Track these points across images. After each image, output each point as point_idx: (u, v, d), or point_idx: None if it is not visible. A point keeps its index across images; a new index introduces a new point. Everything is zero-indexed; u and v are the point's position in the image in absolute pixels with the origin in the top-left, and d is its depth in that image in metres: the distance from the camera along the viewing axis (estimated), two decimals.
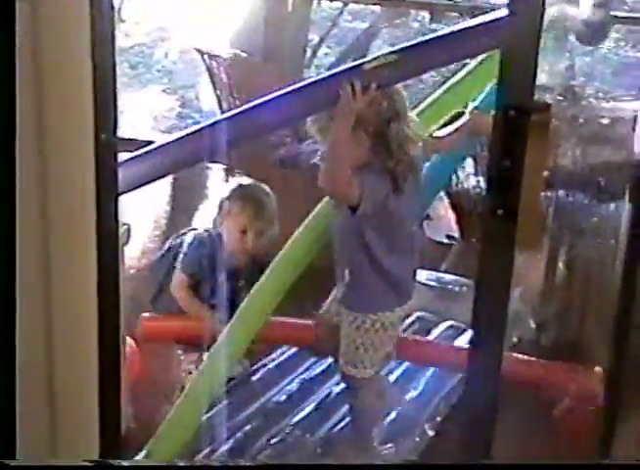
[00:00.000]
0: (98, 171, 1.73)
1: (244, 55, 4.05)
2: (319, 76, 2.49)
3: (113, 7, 1.71)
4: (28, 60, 1.64)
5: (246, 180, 3.14)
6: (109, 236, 1.76)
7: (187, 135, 2.41)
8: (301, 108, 2.42)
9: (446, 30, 2.43)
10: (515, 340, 2.96)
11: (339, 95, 2.28)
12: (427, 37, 2.41)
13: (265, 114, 2.37)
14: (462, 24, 2.35)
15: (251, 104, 2.37)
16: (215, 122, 2.39)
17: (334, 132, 2.35)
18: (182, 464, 2.06)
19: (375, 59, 2.35)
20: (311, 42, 7.53)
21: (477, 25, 2.31)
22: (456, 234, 4.01)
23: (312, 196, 3.53)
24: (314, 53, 7.71)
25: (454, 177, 3.85)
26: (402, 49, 2.35)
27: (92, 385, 1.75)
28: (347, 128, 2.33)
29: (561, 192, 2.91)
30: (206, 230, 3.04)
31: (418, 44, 2.36)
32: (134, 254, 3.87)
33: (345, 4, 7.21)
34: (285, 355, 3.20)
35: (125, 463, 1.75)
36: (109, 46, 1.71)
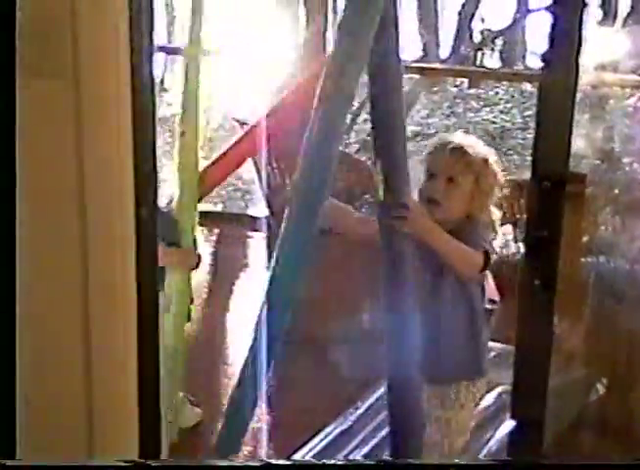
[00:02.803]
0: (139, 245, 1.75)
1: None
2: None
3: (153, 79, 1.75)
4: (69, 133, 1.67)
5: None
6: (149, 306, 1.78)
7: None
8: None
9: None
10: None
11: None
12: None
13: None
14: None
15: None
16: None
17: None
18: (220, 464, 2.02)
19: None
20: (351, 108, 7.61)
21: None
22: (497, 298, 3.99)
23: (349, 262, 3.55)
24: (354, 119, 7.78)
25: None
26: None
27: (131, 386, 1.76)
28: None
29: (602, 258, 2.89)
30: None
31: None
32: None
33: None
34: None
35: (162, 463, 1.75)
36: (149, 120, 1.74)
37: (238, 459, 2.48)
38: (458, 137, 2.51)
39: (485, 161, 2.43)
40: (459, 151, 2.41)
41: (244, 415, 2.33)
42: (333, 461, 2.47)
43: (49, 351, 1.72)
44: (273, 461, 2.39)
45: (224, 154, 4.45)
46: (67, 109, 1.66)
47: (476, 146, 2.47)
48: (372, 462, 2.35)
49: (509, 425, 1.75)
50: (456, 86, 10.05)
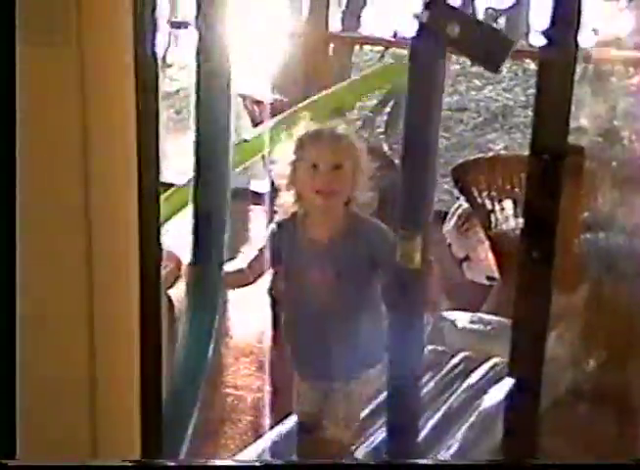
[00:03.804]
0: (141, 217, 1.77)
1: (285, 100, 4.11)
2: None
3: (156, 53, 1.77)
4: (73, 104, 1.69)
5: None
6: (151, 275, 1.80)
7: None
8: None
9: None
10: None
11: None
12: None
13: None
14: None
15: None
16: None
17: None
18: (225, 464, 2.05)
19: None
20: None
21: None
22: (496, 275, 4.01)
23: None
24: None
25: (493, 219, 3.85)
26: None
27: (134, 385, 1.78)
28: None
29: (601, 234, 2.90)
30: None
31: None
32: None
33: (387, 48, 7.29)
34: None
35: (167, 463, 1.77)
36: (152, 93, 1.76)
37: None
38: (326, 124, 2.49)
39: (357, 142, 2.42)
40: (340, 137, 2.40)
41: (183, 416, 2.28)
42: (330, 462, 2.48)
43: (51, 349, 1.74)
44: (274, 461, 2.42)
45: None
46: (70, 79, 1.68)
47: (343, 127, 2.47)
48: (366, 463, 2.37)
49: (507, 383, 1.77)
50: (459, 64, 10.03)
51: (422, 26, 1.80)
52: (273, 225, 2.53)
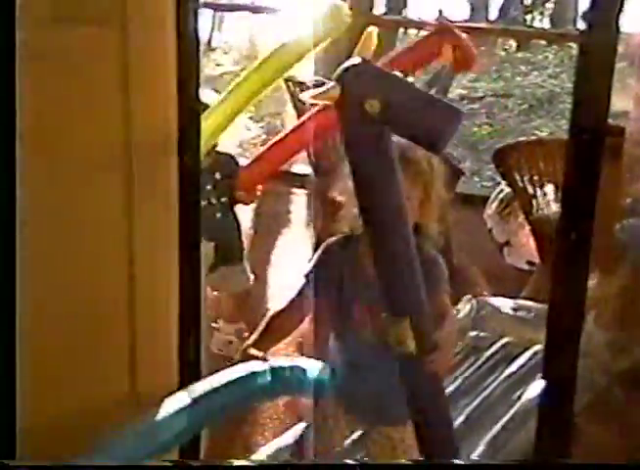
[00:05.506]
0: (182, 189, 1.79)
1: (327, 82, 4.10)
2: None
3: (198, 39, 1.79)
4: (116, 87, 1.71)
5: None
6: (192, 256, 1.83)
7: None
8: None
9: None
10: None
11: None
12: None
13: None
14: None
15: None
16: None
17: None
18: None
19: None
20: None
21: None
22: (537, 260, 3.99)
23: None
24: None
25: (535, 204, 3.83)
26: None
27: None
28: None
29: None
30: None
31: None
32: None
33: None
34: None
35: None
36: (193, 74, 1.78)
37: None
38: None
39: (431, 164, 2.02)
40: (409, 161, 1.97)
41: None
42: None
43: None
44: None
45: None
46: (113, 60, 1.70)
47: (417, 148, 1.94)
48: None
49: (539, 385, 1.76)
50: (504, 50, 9.95)
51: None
52: (326, 245, 2.15)
